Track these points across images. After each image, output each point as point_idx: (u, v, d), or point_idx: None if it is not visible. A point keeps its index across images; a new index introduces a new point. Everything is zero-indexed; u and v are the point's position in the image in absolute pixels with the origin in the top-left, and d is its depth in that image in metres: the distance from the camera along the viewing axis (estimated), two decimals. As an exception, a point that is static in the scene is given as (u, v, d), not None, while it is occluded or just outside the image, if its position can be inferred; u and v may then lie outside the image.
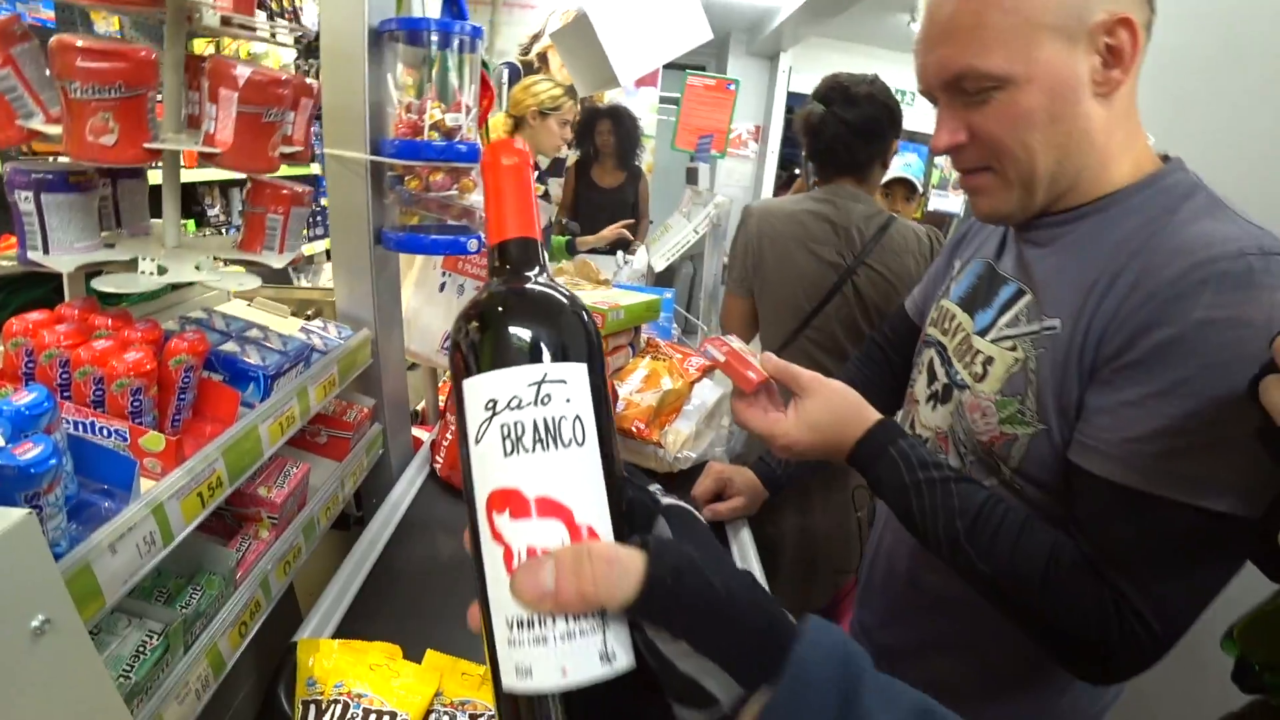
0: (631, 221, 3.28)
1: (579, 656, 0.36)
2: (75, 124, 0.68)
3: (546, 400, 0.38)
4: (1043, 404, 0.81)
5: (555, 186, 4.99)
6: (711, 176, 3.15)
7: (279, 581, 0.95)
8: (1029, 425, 0.83)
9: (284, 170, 0.94)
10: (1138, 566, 0.73)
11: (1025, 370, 0.83)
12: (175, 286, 1.16)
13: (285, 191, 0.87)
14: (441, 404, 1.73)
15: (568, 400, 0.39)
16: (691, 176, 3.00)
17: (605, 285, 1.66)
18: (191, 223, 2.99)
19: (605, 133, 4.27)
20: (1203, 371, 0.68)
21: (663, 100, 6.11)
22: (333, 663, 0.83)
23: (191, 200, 3.06)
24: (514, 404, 0.38)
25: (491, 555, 0.38)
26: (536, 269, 0.43)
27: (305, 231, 0.96)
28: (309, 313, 1.49)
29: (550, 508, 0.37)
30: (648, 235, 4.29)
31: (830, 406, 0.89)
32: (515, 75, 6.12)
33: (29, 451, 0.53)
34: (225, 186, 3.28)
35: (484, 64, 1.70)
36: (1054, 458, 0.82)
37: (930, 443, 0.99)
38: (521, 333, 0.40)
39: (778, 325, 1.82)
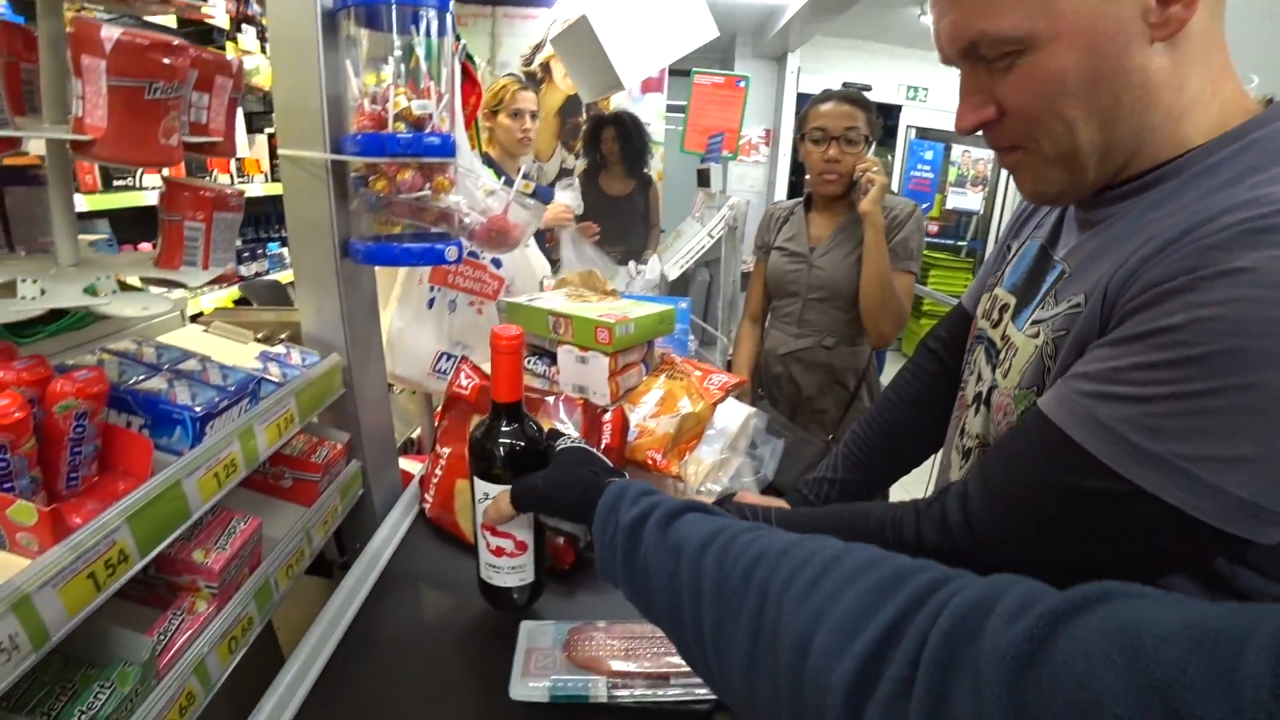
0: (571, 206, 3.05)
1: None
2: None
3: None
4: None
5: (566, 194, 4.85)
6: (724, 179, 2.99)
7: (222, 664, 0.78)
8: None
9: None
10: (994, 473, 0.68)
11: (1042, 357, 0.72)
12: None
13: (206, 194, 0.71)
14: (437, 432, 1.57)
15: None
16: (703, 179, 2.83)
17: (613, 296, 1.50)
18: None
19: (610, 140, 4.12)
20: (1196, 325, 0.54)
21: (670, 109, 5.95)
22: (277, 773, 0.67)
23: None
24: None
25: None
26: (520, 418, 0.84)
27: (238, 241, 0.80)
28: (283, 336, 1.34)
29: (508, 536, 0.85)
30: (659, 244, 4.14)
31: None
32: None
33: None
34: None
35: (469, 56, 1.55)
36: None
37: (976, 452, 0.86)
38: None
39: None
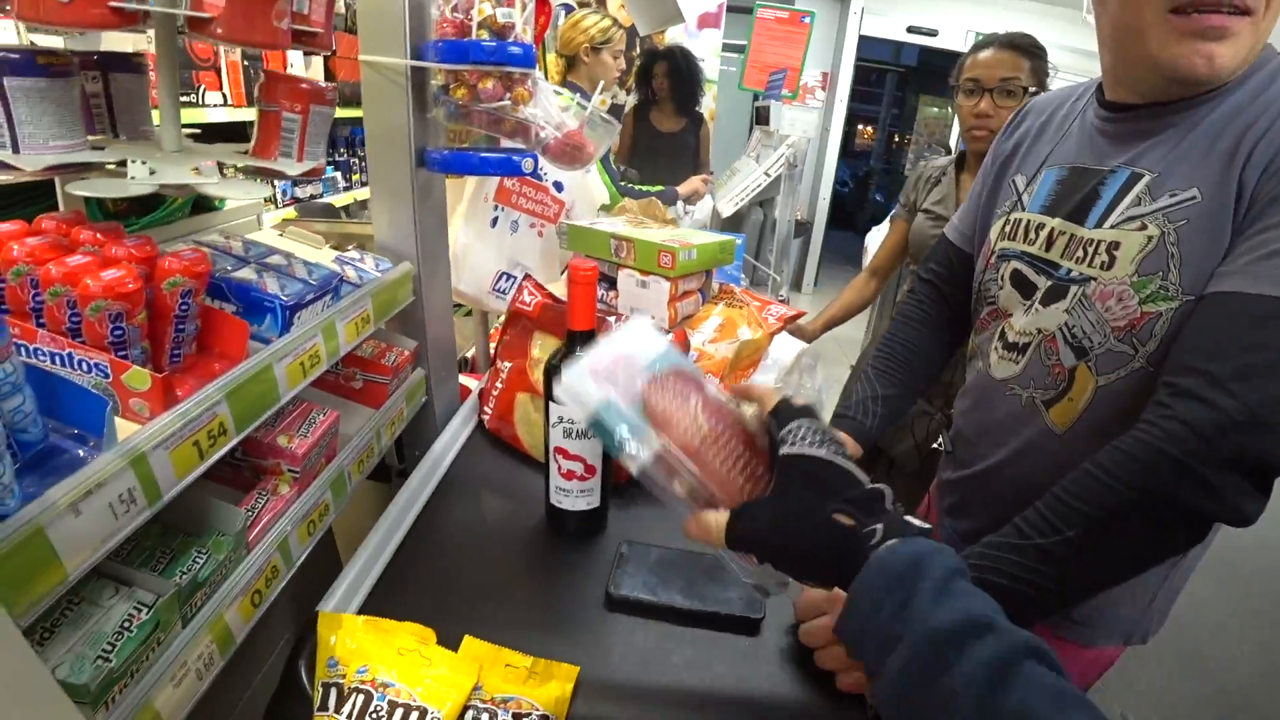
0: (709, 176, 3.01)
1: None
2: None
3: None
4: (1189, 275, 0.80)
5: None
6: (778, 120, 2.93)
7: (301, 544, 0.83)
8: (1173, 299, 0.81)
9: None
10: (1238, 367, 0.71)
11: (1163, 245, 0.82)
12: (196, 210, 1.04)
13: (304, 85, 0.72)
14: (492, 350, 1.60)
15: None
16: (761, 116, 2.79)
17: (672, 224, 1.50)
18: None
19: (662, 75, 4.02)
20: None
21: (726, 48, 5.79)
22: (356, 643, 0.71)
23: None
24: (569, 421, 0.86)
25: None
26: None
27: (327, 145, 0.82)
28: (350, 246, 1.37)
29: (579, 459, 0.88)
30: (710, 182, 4.08)
31: None
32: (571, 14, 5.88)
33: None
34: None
35: (542, -24, 1.52)
36: None
37: (1034, 345, 0.97)
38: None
39: None
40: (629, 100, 4.92)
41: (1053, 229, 0.95)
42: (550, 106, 1.06)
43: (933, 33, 6.81)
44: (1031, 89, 1.73)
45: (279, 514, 0.79)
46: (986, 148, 1.78)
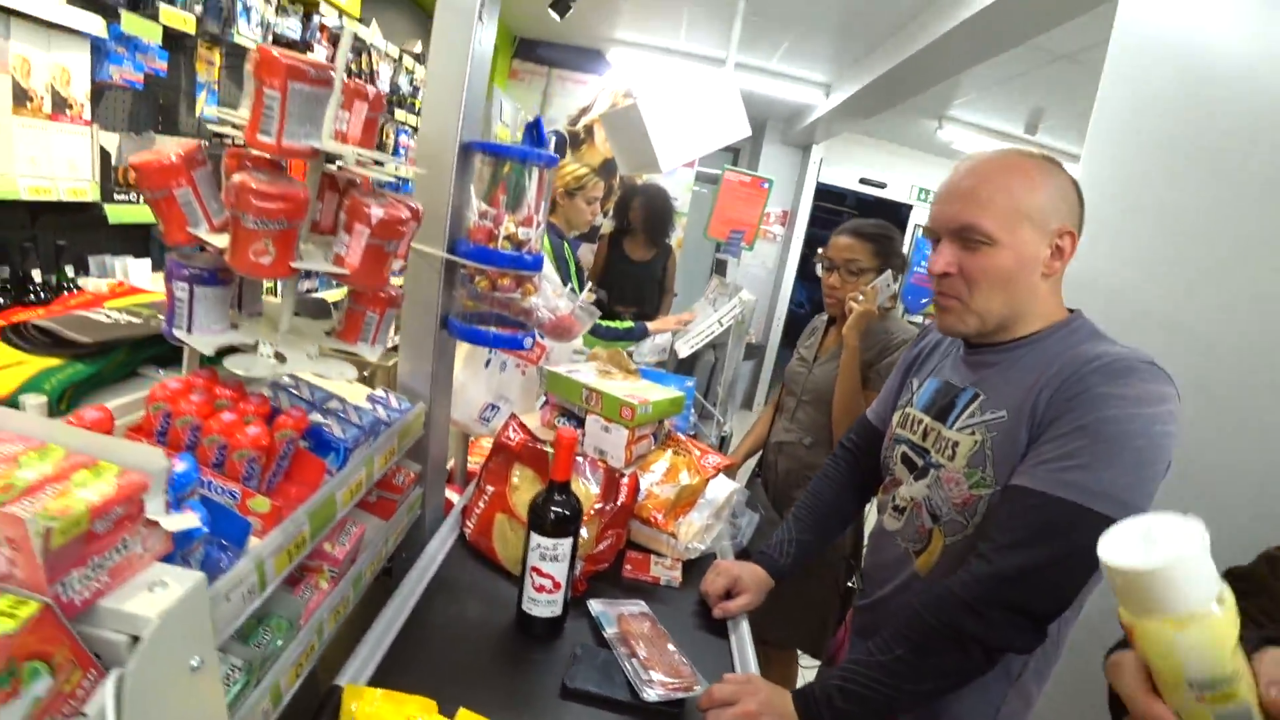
0: (690, 317, 3.31)
1: None
2: (240, 245, 0.84)
3: (558, 548, 1.17)
4: (998, 471, 1.11)
5: (587, 253, 5.19)
6: (735, 273, 3.33)
7: (330, 628, 1.07)
8: (988, 487, 1.12)
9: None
10: (1002, 537, 1.03)
11: (983, 449, 1.14)
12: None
13: (384, 295, 1.02)
14: (473, 467, 1.86)
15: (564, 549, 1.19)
16: (720, 268, 3.17)
17: (634, 376, 1.81)
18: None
19: (638, 209, 4.43)
20: (1095, 423, 1.00)
21: (698, 179, 6.34)
22: (374, 709, 0.95)
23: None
24: (545, 548, 1.18)
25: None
26: (568, 493, 1.20)
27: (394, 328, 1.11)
28: (364, 373, 1.65)
29: (549, 577, 1.18)
30: (671, 310, 4.45)
31: None
32: (561, 143, 6.43)
33: (191, 520, 0.67)
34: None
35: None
36: None
37: (909, 509, 1.28)
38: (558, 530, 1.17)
39: None
40: (605, 224, 5.34)
41: (926, 424, 1.27)
42: (549, 295, 1.38)
43: (881, 185, 7.54)
44: (869, 268, 2.15)
45: (320, 604, 1.04)
46: (835, 312, 2.25)
